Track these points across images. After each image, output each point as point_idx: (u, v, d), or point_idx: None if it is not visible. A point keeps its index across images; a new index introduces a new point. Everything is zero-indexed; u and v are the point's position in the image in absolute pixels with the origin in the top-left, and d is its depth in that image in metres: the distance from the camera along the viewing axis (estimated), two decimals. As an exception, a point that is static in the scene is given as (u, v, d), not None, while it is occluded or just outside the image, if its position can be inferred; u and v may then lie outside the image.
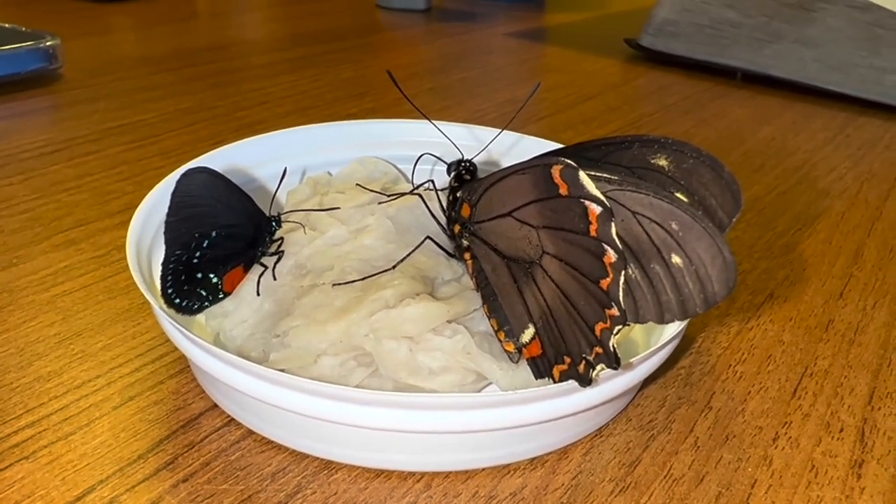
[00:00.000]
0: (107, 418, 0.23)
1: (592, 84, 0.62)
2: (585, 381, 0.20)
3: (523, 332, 0.22)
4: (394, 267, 0.25)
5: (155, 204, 0.26)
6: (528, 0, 0.95)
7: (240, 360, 0.20)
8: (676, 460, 0.23)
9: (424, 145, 0.32)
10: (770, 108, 0.59)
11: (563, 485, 0.22)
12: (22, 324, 0.27)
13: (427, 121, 0.30)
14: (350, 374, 0.23)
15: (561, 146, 0.29)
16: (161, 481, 0.21)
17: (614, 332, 0.20)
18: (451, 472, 0.22)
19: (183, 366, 0.26)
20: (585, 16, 0.92)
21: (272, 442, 0.23)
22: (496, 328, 0.23)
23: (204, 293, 0.24)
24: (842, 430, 0.25)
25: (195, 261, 0.24)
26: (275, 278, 0.25)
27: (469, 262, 0.24)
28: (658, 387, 0.26)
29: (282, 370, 0.22)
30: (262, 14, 0.83)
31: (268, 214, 0.27)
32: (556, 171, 0.20)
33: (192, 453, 0.22)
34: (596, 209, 0.20)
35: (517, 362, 0.23)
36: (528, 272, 0.22)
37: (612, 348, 0.20)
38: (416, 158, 0.32)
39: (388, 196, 0.28)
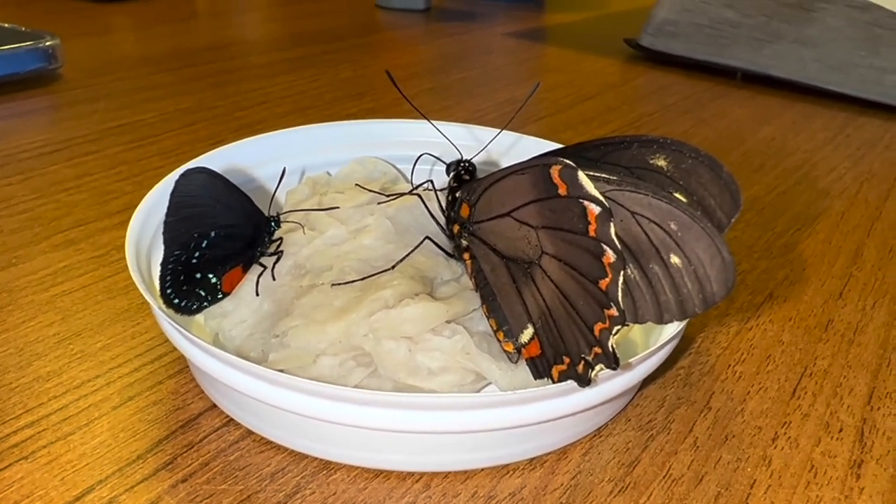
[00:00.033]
0: (106, 418, 0.23)
1: (592, 84, 0.62)
2: (584, 382, 0.20)
3: (522, 333, 0.22)
4: (393, 267, 0.25)
5: (154, 204, 0.26)
6: (528, 0, 0.95)
7: (239, 361, 0.20)
8: (675, 460, 0.23)
9: (423, 145, 0.32)
10: (770, 108, 0.59)
11: (562, 485, 0.22)
12: (21, 324, 0.27)
13: (426, 121, 0.30)
14: (349, 375, 0.23)
15: (560, 146, 0.29)
16: (160, 481, 0.21)
17: (613, 332, 0.20)
18: (450, 473, 0.22)
19: (182, 366, 0.26)
20: (585, 16, 0.92)
21: (271, 442, 0.23)
22: (495, 328, 0.23)
23: (203, 293, 0.24)
24: (841, 431, 0.25)
25: (194, 261, 0.24)
26: (274, 278, 0.25)
27: (468, 262, 0.24)
28: (657, 387, 0.26)
29: (281, 370, 0.22)
30: (261, 14, 0.83)
31: (267, 214, 0.27)
32: (554, 171, 0.20)
33: (191, 453, 0.22)
34: (595, 209, 0.19)
35: (516, 362, 0.23)
36: (527, 272, 0.22)
37: (610, 348, 0.20)
38: (416, 158, 0.32)
39: (388, 196, 0.28)
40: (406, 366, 0.23)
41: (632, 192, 0.21)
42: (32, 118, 0.47)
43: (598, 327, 0.20)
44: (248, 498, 0.21)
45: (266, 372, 0.20)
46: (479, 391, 0.24)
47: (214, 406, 0.24)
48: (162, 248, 0.24)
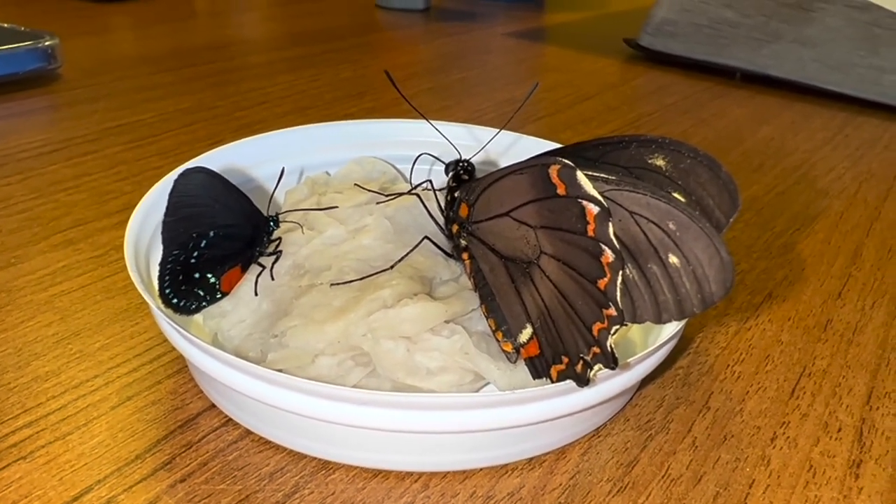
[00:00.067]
0: (104, 418, 0.23)
1: (591, 84, 0.62)
2: (583, 381, 0.20)
3: (521, 332, 0.22)
4: (392, 267, 0.25)
5: (153, 204, 0.26)
6: (528, 0, 0.95)
7: (237, 360, 0.20)
8: (674, 460, 0.23)
9: (423, 145, 0.32)
10: (769, 107, 0.59)
11: (560, 485, 0.22)
12: (20, 324, 0.27)
13: (425, 121, 0.30)
14: (348, 374, 0.23)
15: (559, 146, 0.29)
16: (159, 481, 0.21)
17: (612, 331, 0.20)
18: (448, 472, 0.22)
19: (181, 366, 0.26)
20: (584, 15, 0.92)
21: (270, 442, 0.23)
22: (494, 328, 0.23)
23: (201, 293, 0.24)
24: (840, 430, 0.25)
25: (193, 261, 0.24)
26: (273, 278, 0.25)
27: (467, 262, 0.24)
28: (656, 387, 0.26)
29: (279, 370, 0.22)
30: (260, 13, 0.83)
31: (266, 214, 0.27)
32: (553, 170, 0.20)
33: (190, 453, 0.22)
34: (593, 209, 0.20)
35: (515, 362, 0.23)
36: (526, 272, 0.22)
37: (609, 348, 0.20)
38: (415, 158, 0.32)
39: (387, 196, 0.28)
40: (405, 365, 0.23)
41: (630, 191, 0.21)
42: (31, 118, 0.47)
43: (596, 327, 0.20)
44: (246, 498, 0.21)
45: (265, 372, 0.20)
46: (477, 391, 0.24)
47: (213, 406, 0.24)
48: (161, 247, 0.24)
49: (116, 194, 0.37)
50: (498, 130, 0.31)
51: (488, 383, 0.24)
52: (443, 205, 0.26)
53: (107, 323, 0.28)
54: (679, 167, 0.24)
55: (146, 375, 0.25)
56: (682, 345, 0.28)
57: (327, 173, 0.33)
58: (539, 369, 0.22)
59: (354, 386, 0.23)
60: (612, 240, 0.19)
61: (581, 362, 0.20)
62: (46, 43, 0.52)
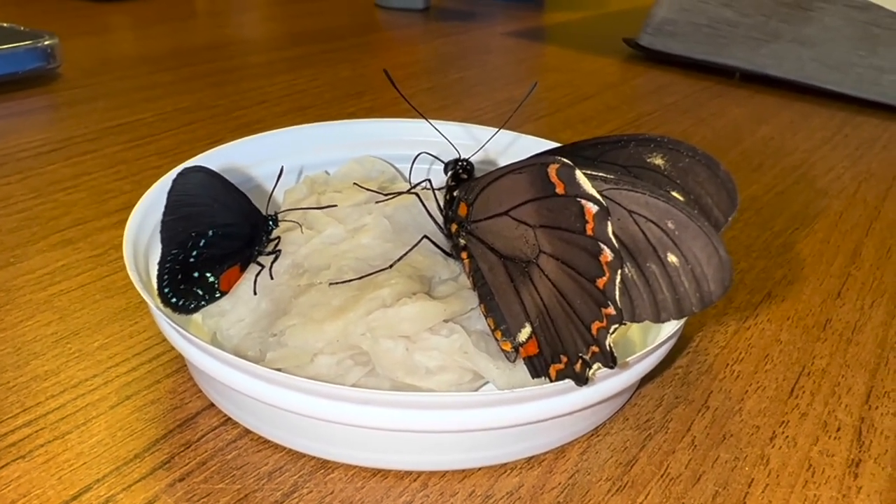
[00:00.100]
0: (103, 417, 0.23)
1: (591, 83, 0.62)
2: (582, 381, 0.20)
3: (520, 332, 0.22)
4: (391, 266, 0.25)
5: (152, 203, 0.26)
6: (527, 0, 0.95)
7: (236, 360, 0.20)
8: (673, 459, 0.23)
9: (422, 144, 0.32)
10: (768, 107, 0.59)
11: (559, 484, 0.22)
12: (19, 323, 0.27)
13: (424, 120, 0.30)
14: (347, 374, 0.23)
15: (558, 145, 0.29)
16: (157, 480, 0.21)
17: (611, 330, 0.20)
18: (447, 472, 0.22)
19: (180, 365, 0.26)
20: (584, 15, 0.92)
21: (269, 441, 0.23)
22: (493, 327, 0.23)
23: (200, 292, 0.24)
24: (839, 430, 0.25)
25: (192, 260, 0.24)
26: (272, 277, 0.25)
27: (466, 261, 0.24)
28: (655, 386, 0.26)
29: (278, 369, 0.22)
30: (260, 13, 0.83)
31: (265, 213, 0.27)
32: (552, 169, 0.20)
33: (189, 452, 0.22)
34: (592, 208, 0.20)
35: (514, 361, 0.23)
36: (525, 271, 0.22)
37: (608, 347, 0.20)
38: (414, 157, 0.32)
39: (386, 195, 0.28)
40: (404, 365, 0.23)
41: (629, 190, 0.21)
42: (31, 117, 0.47)
43: (595, 326, 0.20)
44: (245, 497, 0.21)
45: (264, 371, 0.20)
46: (476, 390, 0.24)
47: (212, 405, 0.24)
48: (160, 247, 0.24)
49: (115, 193, 0.37)
50: (497, 130, 0.31)
51: (487, 382, 0.24)
52: (442, 204, 0.26)
53: (106, 322, 0.28)
54: (678, 166, 0.24)
55: (145, 375, 0.25)
56: (682, 344, 0.28)
57: (327, 172, 0.33)
58: (538, 368, 0.22)
59: (353, 385, 0.23)
60: (610, 239, 0.19)
61: (580, 361, 0.20)
62: (46, 42, 0.52)
